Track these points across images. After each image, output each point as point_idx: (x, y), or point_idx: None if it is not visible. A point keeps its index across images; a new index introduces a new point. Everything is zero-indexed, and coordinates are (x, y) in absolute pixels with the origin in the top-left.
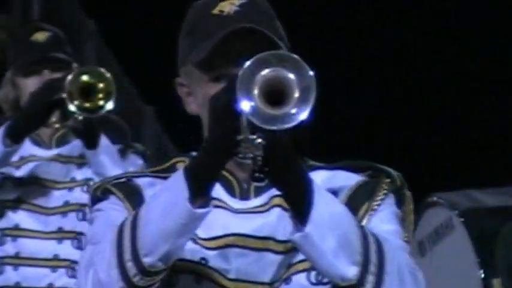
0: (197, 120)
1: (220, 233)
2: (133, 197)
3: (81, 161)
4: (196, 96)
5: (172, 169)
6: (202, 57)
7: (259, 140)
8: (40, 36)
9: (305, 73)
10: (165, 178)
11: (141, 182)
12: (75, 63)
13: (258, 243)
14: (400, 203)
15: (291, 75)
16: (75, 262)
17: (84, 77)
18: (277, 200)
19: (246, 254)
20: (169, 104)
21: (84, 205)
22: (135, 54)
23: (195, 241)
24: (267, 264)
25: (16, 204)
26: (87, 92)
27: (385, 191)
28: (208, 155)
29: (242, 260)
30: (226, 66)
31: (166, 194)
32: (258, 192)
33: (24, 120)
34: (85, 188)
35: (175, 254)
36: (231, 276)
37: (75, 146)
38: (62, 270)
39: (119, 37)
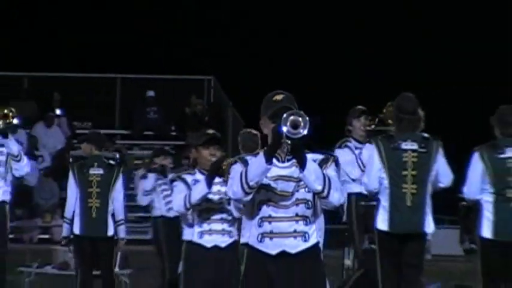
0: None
1: (274, 174)
2: (245, 163)
3: None
4: (267, 127)
5: (258, 154)
6: (270, 115)
7: (289, 142)
8: None
9: (306, 118)
10: (256, 156)
11: (247, 157)
12: None
13: (287, 178)
14: (337, 165)
15: (300, 119)
16: None
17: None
18: (295, 163)
19: (283, 182)
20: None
21: None
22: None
23: (266, 177)
24: (291, 185)
25: None
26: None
27: (331, 160)
28: (271, 147)
29: (282, 184)
30: (278, 118)
31: (257, 161)
32: (288, 160)
33: None
34: None
35: (260, 181)
36: (278, 190)
37: None
38: None
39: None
